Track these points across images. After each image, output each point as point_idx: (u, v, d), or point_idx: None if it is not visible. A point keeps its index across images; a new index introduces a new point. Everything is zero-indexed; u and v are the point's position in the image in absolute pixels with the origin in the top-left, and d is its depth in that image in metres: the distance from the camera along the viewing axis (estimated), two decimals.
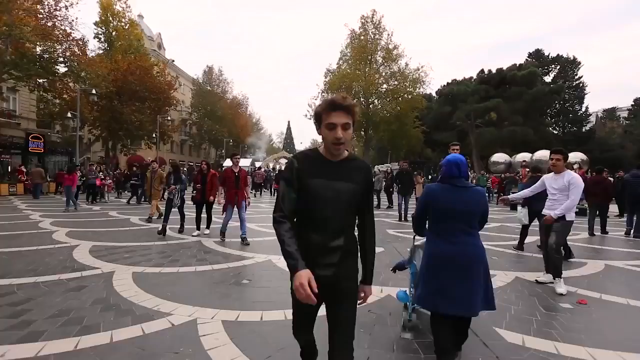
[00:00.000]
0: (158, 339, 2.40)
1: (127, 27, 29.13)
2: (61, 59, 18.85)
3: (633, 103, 44.99)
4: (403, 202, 9.85)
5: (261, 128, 67.46)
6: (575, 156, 21.57)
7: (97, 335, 2.44)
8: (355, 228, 1.57)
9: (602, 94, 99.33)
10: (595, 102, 49.86)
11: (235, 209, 6.20)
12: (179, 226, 7.14)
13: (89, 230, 7.19)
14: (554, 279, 3.83)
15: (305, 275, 1.27)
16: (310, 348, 1.70)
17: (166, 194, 7.32)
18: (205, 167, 7.08)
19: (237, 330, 2.53)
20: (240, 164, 6.68)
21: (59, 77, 19.11)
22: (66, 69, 19.15)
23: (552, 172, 4.09)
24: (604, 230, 8.28)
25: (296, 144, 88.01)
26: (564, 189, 3.87)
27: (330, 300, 1.47)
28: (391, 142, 37.03)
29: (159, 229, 6.79)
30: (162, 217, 7.22)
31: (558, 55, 39.85)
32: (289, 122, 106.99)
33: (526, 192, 4.42)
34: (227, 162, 30.67)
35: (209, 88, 46.52)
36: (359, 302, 1.54)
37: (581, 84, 39.23)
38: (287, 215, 1.42)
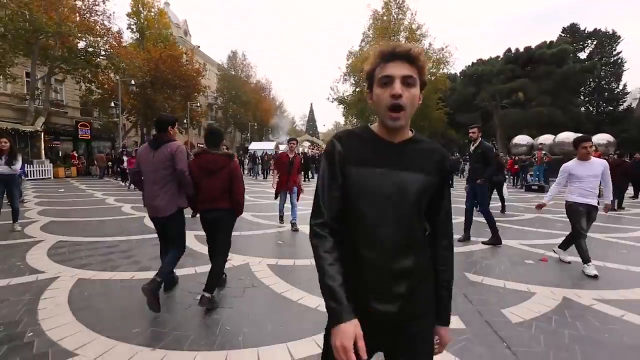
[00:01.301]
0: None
1: (156, 17, 30.50)
2: (103, 52, 20.50)
3: None
4: None
5: (284, 111, 68.42)
6: (601, 137, 21.09)
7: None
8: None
9: None
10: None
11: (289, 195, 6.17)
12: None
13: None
14: (590, 264, 3.91)
15: (350, 331, 0.89)
16: None
17: None
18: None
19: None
20: (264, 147, 7.24)
21: (101, 69, 20.83)
22: (107, 61, 20.81)
23: (575, 160, 4.09)
24: (620, 207, 9.34)
25: (319, 126, 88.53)
26: (599, 175, 3.93)
27: (392, 348, 1.04)
28: (413, 124, 36.90)
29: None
30: None
31: (595, 29, 37.52)
32: (311, 104, 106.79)
33: (555, 190, 4.26)
34: (253, 146, 32.07)
35: (233, 73, 47.70)
36: (435, 351, 1.08)
37: (620, 60, 36.97)
38: (331, 225, 1.01)
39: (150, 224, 6.07)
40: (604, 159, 12.84)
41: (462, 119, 36.02)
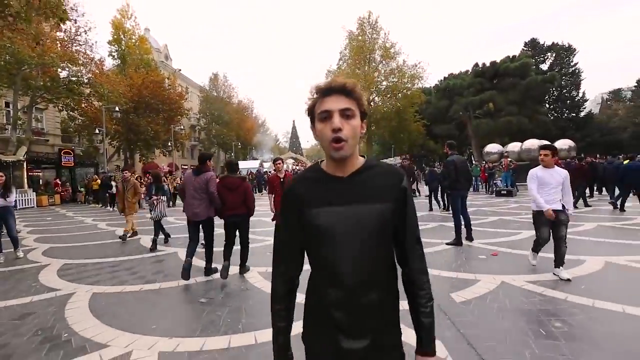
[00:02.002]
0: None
1: (136, 44, 31.16)
2: (85, 81, 20.87)
3: (636, 84, 45.29)
4: None
5: (267, 129, 69.32)
6: (563, 143, 22.81)
7: None
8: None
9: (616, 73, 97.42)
10: (606, 83, 50.03)
11: None
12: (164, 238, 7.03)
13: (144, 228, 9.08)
14: (561, 267, 4.05)
15: None
16: None
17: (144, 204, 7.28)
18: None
19: None
20: (248, 166, 7.73)
21: (84, 97, 21.14)
22: (90, 89, 21.15)
23: (540, 167, 4.21)
24: (586, 204, 10.84)
25: (302, 142, 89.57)
26: (561, 181, 4.07)
27: None
28: (393, 136, 38.46)
29: (151, 245, 6.45)
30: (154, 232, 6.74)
31: (553, 43, 40.65)
32: (293, 121, 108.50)
33: (537, 196, 4.17)
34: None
35: (215, 94, 48.48)
36: None
37: (577, 70, 40.03)
38: (288, 275, 1.06)
39: (146, 244, 6.58)
40: (566, 162, 14.28)
41: (439, 130, 37.84)
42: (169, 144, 30.81)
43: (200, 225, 4.55)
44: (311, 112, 1.01)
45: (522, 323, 2.97)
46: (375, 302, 0.97)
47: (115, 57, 30.89)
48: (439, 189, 10.80)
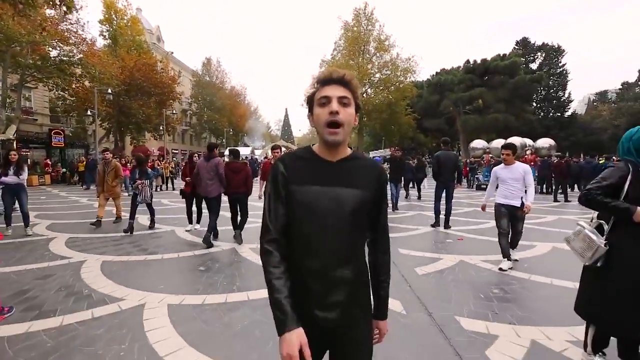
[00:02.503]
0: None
1: (128, 24, 30.64)
2: (77, 61, 20.66)
3: (621, 86, 46.73)
4: (395, 190, 9.49)
5: (259, 116, 69.04)
6: (545, 141, 23.90)
7: None
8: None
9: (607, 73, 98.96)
10: (606, 83, 51.27)
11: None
12: (149, 222, 6.93)
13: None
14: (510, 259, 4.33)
15: (294, 340, 0.96)
16: None
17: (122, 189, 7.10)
18: (196, 160, 6.78)
19: None
20: (240, 153, 7.98)
21: (76, 78, 20.99)
22: (81, 70, 20.97)
23: (502, 164, 4.50)
24: (555, 199, 12.01)
25: (294, 131, 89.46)
26: (519, 178, 4.29)
27: (337, 350, 1.13)
28: (383, 129, 39.05)
29: (126, 227, 6.47)
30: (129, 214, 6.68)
31: (543, 43, 41.51)
32: (286, 109, 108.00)
33: (490, 190, 4.75)
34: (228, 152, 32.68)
35: (207, 79, 48.02)
36: (374, 342, 1.20)
37: (564, 71, 41.10)
38: (278, 240, 1.09)
39: (144, 223, 7.05)
40: (543, 160, 15.15)
41: (429, 124, 38.61)
42: (161, 128, 30.75)
43: (212, 201, 5.61)
44: (310, 100, 1.10)
45: (467, 290, 3.62)
46: (348, 277, 1.06)
47: (106, 37, 30.35)
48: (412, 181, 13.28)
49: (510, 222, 4.39)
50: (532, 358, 2.36)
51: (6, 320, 2.87)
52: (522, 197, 4.33)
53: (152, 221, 6.93)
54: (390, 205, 9.23)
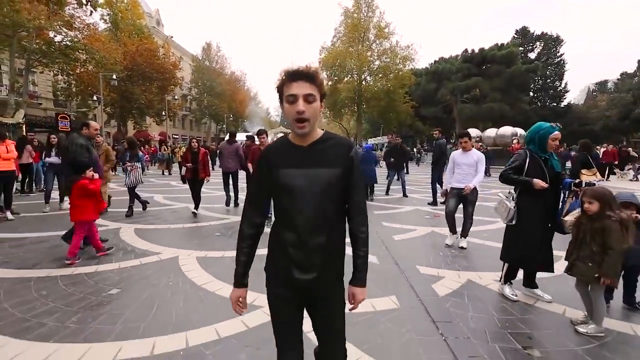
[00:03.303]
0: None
1: (128, 7, 30.75)
2: (80, 46, 21.10)
3: (619, 77, 47.09)
4: (399, 177, 9.75)
5: (259, 102, 69.19)
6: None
7: None
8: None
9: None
10: (603, 72, 51.28)
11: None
12: (126, 209, 6.65)
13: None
14: (464, 238, 4.69)
15: (234, 297, 1.34)
16: None
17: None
18: (195, 146, 6.96)
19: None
20: (240, 138, 8.72)
21: (80, 63, 21.49)
22: (85, 55, 21.43)
23: (460, 150, 4.79)
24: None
25: None
26: (473, 164, 4.59)
27: (313, 309, 1.34)
28: (382, 116, 39.61)
29: (127, 211, 6.54)
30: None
31: (542, 33, 41.68)
32: None
33: (448, 176, 4.96)
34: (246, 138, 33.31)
35: (207, 64, 48.06)
36: (348, 308, 1.35)
37: (562, 61, 41.44)
38: (254, 221, 1.33)
39: (159, 200, 7.86)
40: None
41: (426, 112, 39.19)
42: (163, 113, 31.30)
43: (231, 175, 7.28)
44: (280, 91, 1.22)
45: (429, 250, 4.60)
46: (322, 244, 1.22)
47: (107, 20, 30.50)
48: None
49: (463, 205, 4.69)
50: (464, 288, 3.31)
51: (78, 264, 3.79)
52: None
53: (130, 208, 6.59)
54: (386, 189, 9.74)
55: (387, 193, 9.73)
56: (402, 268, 3.81)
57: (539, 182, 2.83)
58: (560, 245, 3.01)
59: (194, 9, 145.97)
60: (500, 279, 3.24)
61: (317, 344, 1.41)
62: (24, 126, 19.44)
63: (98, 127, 5.02)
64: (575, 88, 43.97)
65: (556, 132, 2.89)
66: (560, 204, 2.89)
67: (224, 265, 3.84)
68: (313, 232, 1.22)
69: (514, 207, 3.03)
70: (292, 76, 1.18)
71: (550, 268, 2.97)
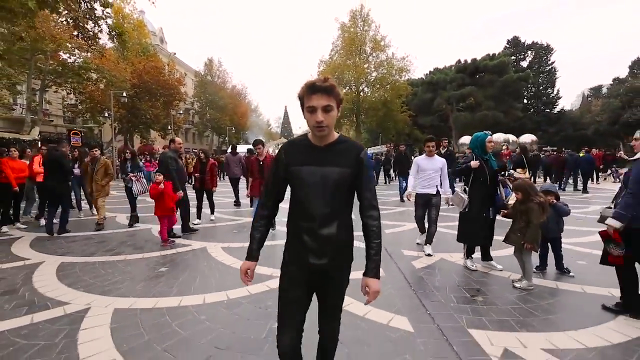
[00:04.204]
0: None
1: (135, 27, 32.28)
2: (92, 67, 22.37)
3: (611, 82, 48.26)
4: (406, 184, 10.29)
5: (259, 114, 70.64)
6: (527, 137, 25.67)
7: None
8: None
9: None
10: (598, 78, 52.21)
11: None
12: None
13: None
14: (429, 245, 4.61)
15: (243, 267, 1.55)
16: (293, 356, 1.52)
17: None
18: (203, 156, 7.19)
19: None
20: (242, 150, 10.03)
21: (92, 82, 22.74)
22: (97, 75, 22.68)
23: (424, 155, 4.81)
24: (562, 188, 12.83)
25: (294, 128, 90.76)
26: (438, 169, 4.63)
27: (323, 289, 1.54)
28: (380, 125, 40.75)
29: (129, 221, 6.73)
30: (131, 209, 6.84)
31: (533, 42, 43.20)
32: (285, 107, 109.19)
33: (411, 180, 4.83)
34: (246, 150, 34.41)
35: (209, 79, 49.60)
36: (365, 302, 1.50)
37: (553, 69, 42.82)
38: (269, 205, 1.56)
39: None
40: (510, 155, 16.84)
41: (423, 121, 40.36)
42: (168, 127, 32.52)
43: (236, 180, 9.07)
44: (301, 100, 1.40)
45: (414, 240, 5.46)
46: (333, 233, 1.41)
47: (114, 40, 31.86)
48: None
49: (427, 209, 4.70)
50: (436, 264, 4.20)
51: (127, 252, 4.67)
52: (437, 186, 4.64)
53: (133, 217, 6.77)
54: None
55: (402, 200, 9.51)
56: (389, 252, 4.69)
57: (475, 163, 3.80)
58: (499, 232, 3.92)
59: (195, 24, 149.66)
60: (464, 255, 4.12)
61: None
62: (39, 142, 20.53)
63: (181, 142, 6.25)
64: (573, 93, 46.02)
65: (489, 137, 3.87)
66: (498, 193, 3.83)
67: (245, 252, 4.71)
68: (324, 222, 1.40)
69: (467, 198, 3.94)
70: (312, 89, 1.34)
71: (488, 242, 3.95)
